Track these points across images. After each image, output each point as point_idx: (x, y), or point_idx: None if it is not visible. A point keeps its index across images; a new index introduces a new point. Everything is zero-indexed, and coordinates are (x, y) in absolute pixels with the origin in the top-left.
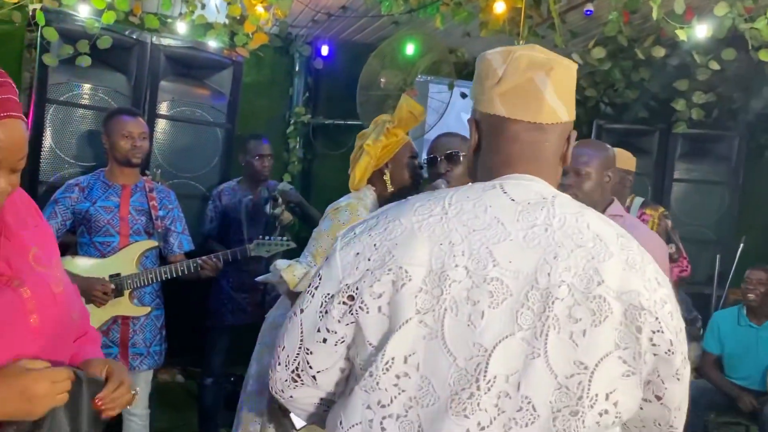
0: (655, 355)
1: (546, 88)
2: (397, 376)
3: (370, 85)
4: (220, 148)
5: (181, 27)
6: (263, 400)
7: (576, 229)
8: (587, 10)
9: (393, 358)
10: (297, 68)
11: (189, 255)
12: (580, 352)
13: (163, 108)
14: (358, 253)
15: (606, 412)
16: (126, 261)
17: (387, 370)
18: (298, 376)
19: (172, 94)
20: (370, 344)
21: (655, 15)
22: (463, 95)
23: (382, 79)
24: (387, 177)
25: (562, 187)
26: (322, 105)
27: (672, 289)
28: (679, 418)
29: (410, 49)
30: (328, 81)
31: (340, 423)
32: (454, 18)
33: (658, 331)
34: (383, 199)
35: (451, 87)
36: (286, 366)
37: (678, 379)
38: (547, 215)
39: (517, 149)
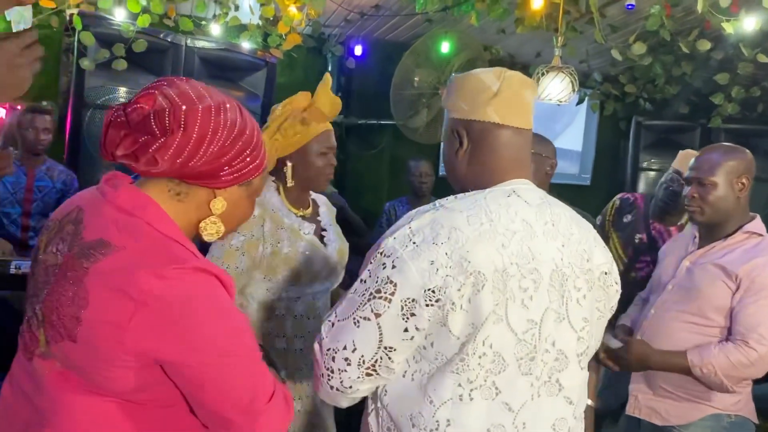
0: (613, 304)
1: (531, 101)
2: (479, 357)
3: (403, 84)
4: None
5: (215, 29)
6: None
7: (566, 221)
8: (629, 4)
9: (479, 345)
10: (330, 68)
11: None
12: (585, 311)
13: None
14: (432, 262)
15: (591, 347)
16: None
17: (475, 354)
18: (374, 371)
19: None
20: (455, 336)
21: (700, 7)
22: None
23: (416, 78)
24: (288, 170)
25: (686, 199)
26: (355, 105)
27: None
28: None
29: (445, 47)
30: (360, 80)
31: (430, 402)
32: (489, 14)
33: (616, 284)
34: (287, 194)
35: None
36: (359, 366)
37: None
38: (550, 213)
39: (508, 153)
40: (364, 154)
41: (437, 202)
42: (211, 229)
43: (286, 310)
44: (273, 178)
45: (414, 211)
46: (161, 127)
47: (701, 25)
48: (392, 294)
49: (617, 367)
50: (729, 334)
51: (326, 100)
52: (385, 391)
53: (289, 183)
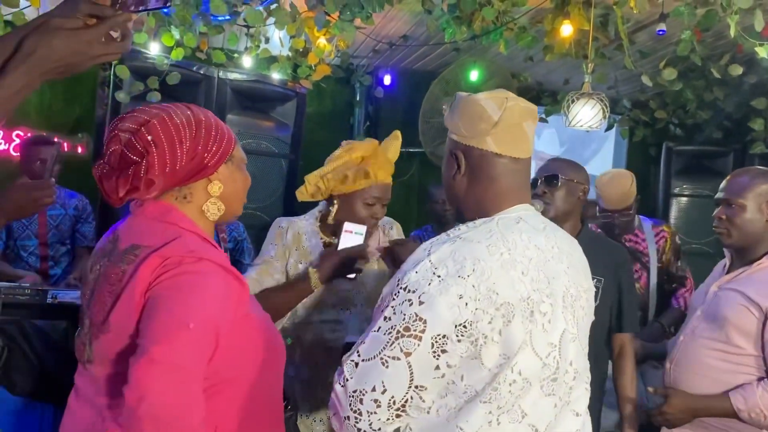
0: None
1: (530, 131)
2: (510, 384)
3: (431, 112)
4: (284, 178)
5: (247, 61)
6: None
7: (568, 244)
8: (660, 30)
9: (509, 373)
10: (358, 98)
11: None
12: (587, 327)
13: None
14: (461, 296)
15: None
16: None
17: (506, 382)
18: (404, 411)
19: (238, 127)
20: (486, 368)
21: (732, 32)
22: None
23: (444, 106)
24: (333, 210)
25: (715, 220)
26: (383, 133)
27: None
28: None
29: (474, 75)
30: (388, 109)
31: (461, 430)
32: (518, 43)
33: (593, 298)
34: (324, 224)
35: None
36: (389, 407)
37: None
38: (554, 237)
39: (508, 181)
40: (394, 182)
41: (451, 233)
42: (213, 209)
43: (296, 337)
44: (321, 207)
45: (428, 242)
46: (137, 153)
47: (732, 49)
48: (422, 331)
49: (665, 425)
50: (763, 364)
51: (393, 154)
52: (410, 428)
53: (330, 220)
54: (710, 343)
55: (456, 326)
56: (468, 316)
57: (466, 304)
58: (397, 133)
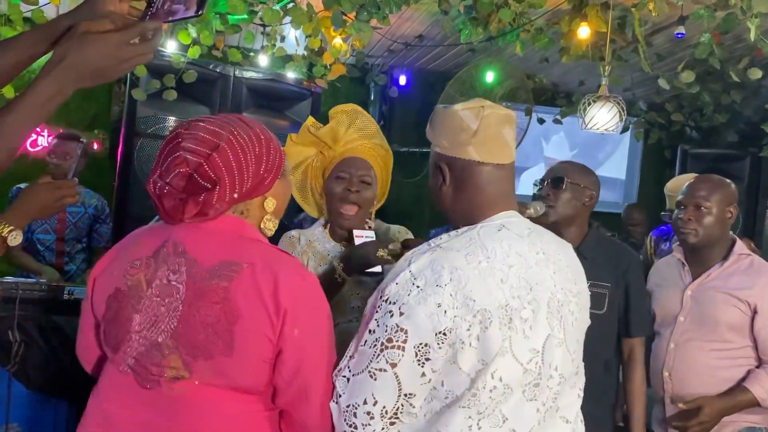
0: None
1: (509, 136)
2: (490, 390)
3: None
4: None
5: (263, 60)
6: None
7: (555, 248)
8: (678, 33)
9: (488, 379)
10: (372, 97)
11: None
12: (577, 332)
13: None
14: (439, 305)
15: (580, 367)
16: None
17: (485, 389)
18: (397, 418)
19: None
20: (465, 373)
21: (753, 36)
22: (541, 121)
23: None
24: (323, 202)
25: (681, 221)
26: (397, 133)
27: None
28: None
29: (490, 76)
30: (402, 109)
31: None
32: (534, 44)
33: (587, 302)
34: (331, 228)
35: (528, 113)
36: (381, 417)
37: None
38: (540, 242)
39: (493, 188)
40: (406, 182)
41: (432, 242)
42: (270, 225)
43: None
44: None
45: (410, 252)
46: (209, 180)
47: (752, 53)
48: (404, 342)
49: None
50: (755, 353)
51: (348, 126)
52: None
53: (325, 214)
54: (705, 344)
55: (436, 334)
56: (447, 324)
57: (445, 312)
58: (347, 107)
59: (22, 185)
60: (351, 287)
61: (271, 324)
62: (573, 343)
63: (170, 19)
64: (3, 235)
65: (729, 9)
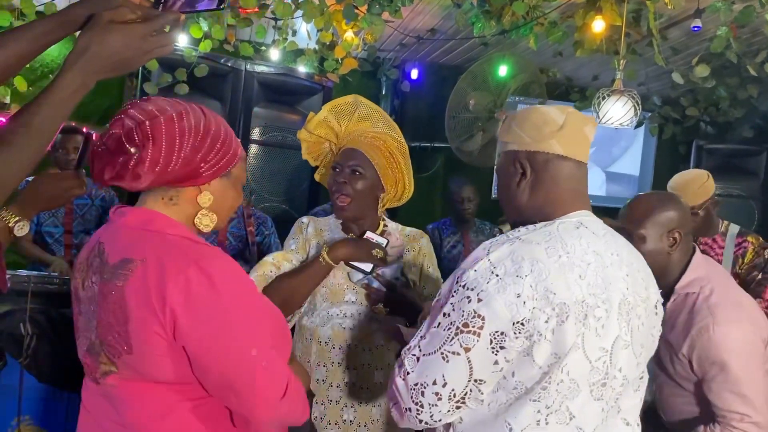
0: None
1: (591, 138)
2: (557, 384)
3: (458, 107)
4: (309, 172)
5: (274, 54)
6: None
7: (627, 252)
8: (695, 26)
9: (559, 373)
10: (384, 91)
11: None
12: (643, 337)
13: (256, 133)
14: (519, 295)
15: (644, 372)
16: None
17: (554, 382)
18: (464, 403)
19: (264, 120)
20: (537, 365)
21: None
22: None
23: (471, 101)
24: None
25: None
26: (409, 127)
27: None
28: None
29: (503, 70)
30: (414, 104)
31: (509, 429)
32: (548, 38)
33: (655, 309)
34: (348, 225)
35: None
36: (449, 399)
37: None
38: (615, 244)
39: (572, 185)
40: (418, 177)
41: (510, 233)
42: (205, 221)
43: (311, 333)
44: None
45: (488, 241)
46: (134, 144)
47: None
48: (480, 328)
49: None
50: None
51: (348, 116)
52: (461, 419)
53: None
54: (668, 387)
55: (514, 324)
56: (526, 314)
57: (524, 302)
58: (345, 99)
59: (30, 177)
60: (346, 280)
61: (160, 322)
62: (638, 347)
63: (190, 9)
64: (9, 225)
65: (747, 1)
